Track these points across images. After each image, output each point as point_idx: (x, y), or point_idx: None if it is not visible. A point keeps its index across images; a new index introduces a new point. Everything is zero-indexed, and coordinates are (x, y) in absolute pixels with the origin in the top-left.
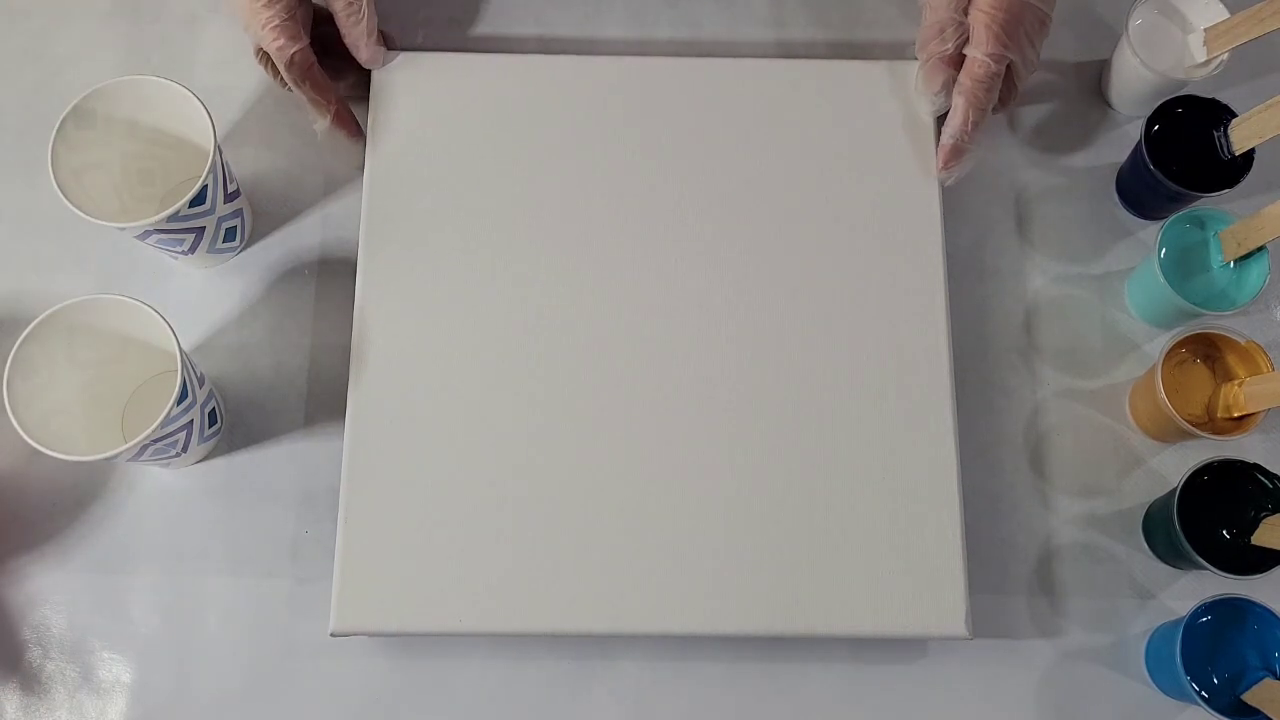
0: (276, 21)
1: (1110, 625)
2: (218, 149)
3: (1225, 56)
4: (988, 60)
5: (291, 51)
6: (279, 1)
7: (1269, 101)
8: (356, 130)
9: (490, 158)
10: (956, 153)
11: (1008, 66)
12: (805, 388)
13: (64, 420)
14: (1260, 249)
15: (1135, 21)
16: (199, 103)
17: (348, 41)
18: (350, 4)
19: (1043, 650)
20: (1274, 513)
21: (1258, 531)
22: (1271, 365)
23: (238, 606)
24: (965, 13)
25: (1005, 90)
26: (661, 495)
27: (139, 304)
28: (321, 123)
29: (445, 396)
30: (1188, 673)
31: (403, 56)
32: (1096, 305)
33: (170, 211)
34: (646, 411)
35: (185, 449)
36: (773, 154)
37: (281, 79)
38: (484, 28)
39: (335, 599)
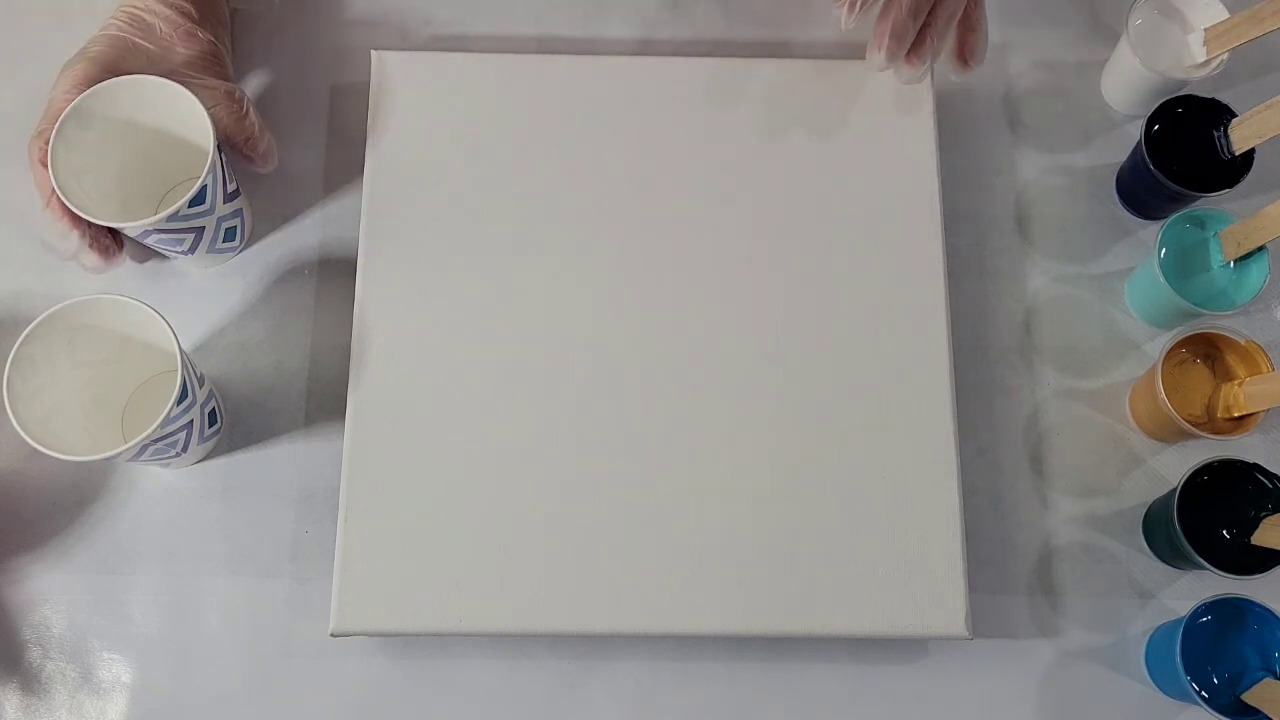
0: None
1: (1110, 625)
2: (217, 148)
3: (1225, 56)
4: None
5: (43, 131)
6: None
7: (1269, 101)
8: (75, 224)
9: (490, 157)
10: (886, 32)
11: None
12: (805, 388)
13: (64, 420)
14: (1260, 249)
15: (1135, 21)
16: (197, 102)
17: (249, 137)
18: (232, 94)
19: (1043, 650)
20: (1274, 512)
21: (1258, 531)
22: (1271, 365)
23: (238, 606)
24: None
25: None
26: (661, 496)
27: (139, 304)
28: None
29: (445, 396)
30: (1188, 673)
31: (403, 56)
32: (1096, 305)
33: (170, 211)
34: (646, 412)
35: (185, 449)
36: (772, 154)
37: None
38: (484, 28)
39: (335, 599)
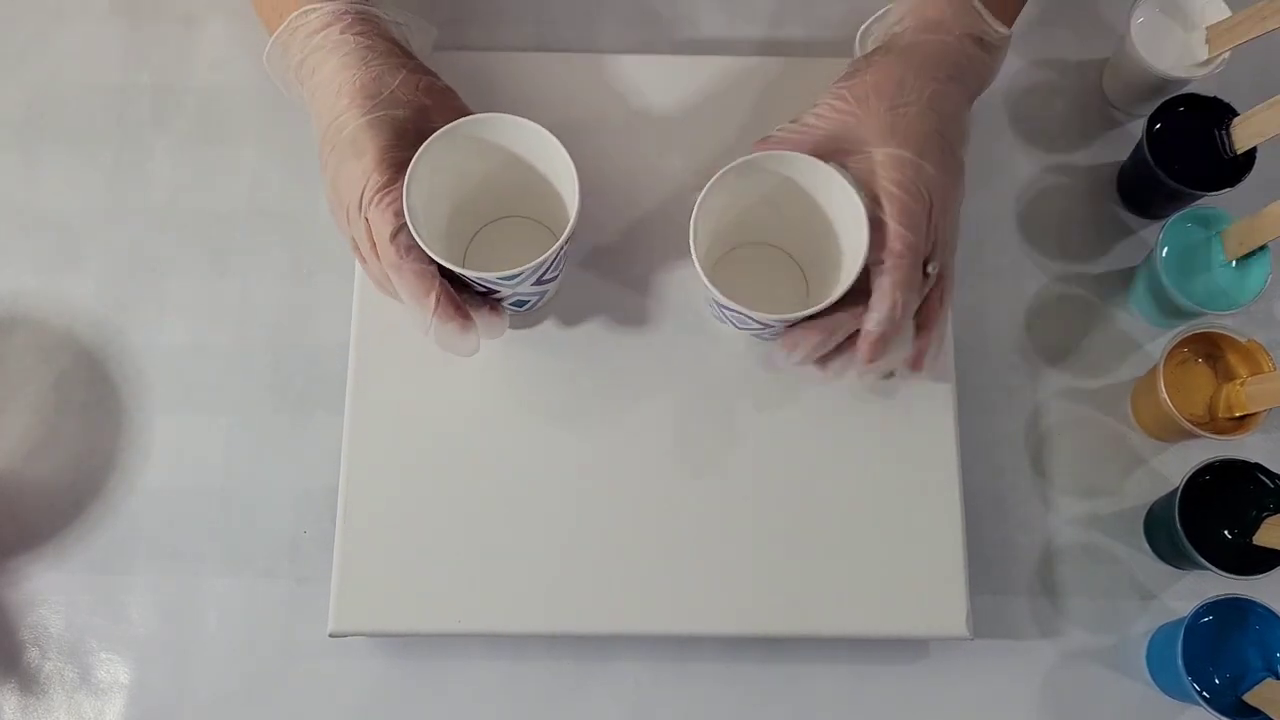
0: (392, 198)
1: (1112, 625)
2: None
3: (1227, 55)
4: (901, 229)
5: (399, 225)
6: (399, 179)
7: (1271, 100)
8: (466, 316)
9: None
10: (883, 344)
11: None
12: (806, 388)
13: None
14: (1262, 248)
15: (1137, 20)
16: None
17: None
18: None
19: (1044, 651)
20: (1275, 512)
21: (1259, 531)
22: (1273, 365)
23: (237, 606)
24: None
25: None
26: (662, 495)
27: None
28: (424, 314)
29: (445, 396)
30: (1189, 673)
31: None
32: (1098, 305)
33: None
34: (648, 410)
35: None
36: None
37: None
38: (483, 26)
39: (334, 599)
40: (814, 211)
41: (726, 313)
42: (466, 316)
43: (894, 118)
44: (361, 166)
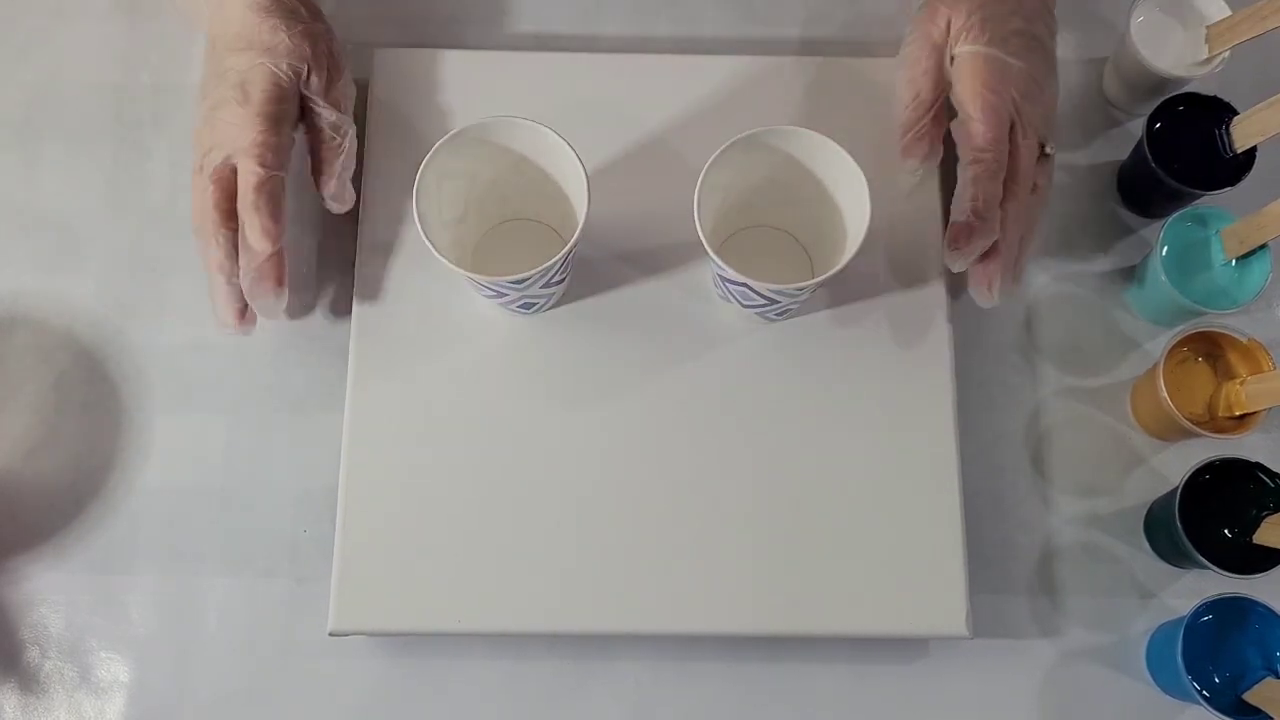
0: (263, 150)
1: (1111, 625)
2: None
3: (1227, 54)
4: (983, 126)
5: (267, 176)
6: (282, 125)
7: (1270, 99)
8: (283, 283)
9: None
10: (966, 232)
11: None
12: (806, 387)
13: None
14: (1262, 247)
15: (1137, 19)
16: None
17: (322, 171)
18: (336, 128)
19: (1044, 650)
20: (1275, 511)
21: (1259, 530)
22: (1273, 364)
23: (237, 606)
24: (940, 88)
25: (1036, 173)
26: (662, 494)
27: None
28: (253, 261)
29: (444, 397)
30: (1189, 672)
31: (402, 53)
32: (1098, 303)
33: (566, 251)
34: (648, 411)
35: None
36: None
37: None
38: (483, 24)
39: (334, 599)
40: (818, 189)
41: (730, 287)
42: (283, 283)
43: (983, 15)
44: (246, 114)
